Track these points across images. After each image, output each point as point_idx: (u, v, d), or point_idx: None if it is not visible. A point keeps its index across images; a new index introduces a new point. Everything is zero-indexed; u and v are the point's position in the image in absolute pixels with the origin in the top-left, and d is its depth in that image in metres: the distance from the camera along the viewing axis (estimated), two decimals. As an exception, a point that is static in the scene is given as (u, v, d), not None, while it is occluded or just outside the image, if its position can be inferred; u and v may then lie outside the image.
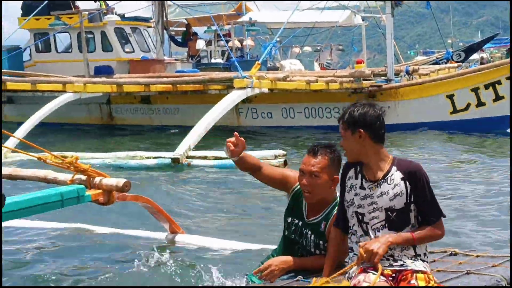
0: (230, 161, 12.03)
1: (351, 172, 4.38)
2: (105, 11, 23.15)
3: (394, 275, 4.18)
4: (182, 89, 18.62)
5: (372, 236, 4.23)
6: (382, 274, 4.12)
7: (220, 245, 7.17)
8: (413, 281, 4.10)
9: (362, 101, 4.37)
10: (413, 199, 4.17)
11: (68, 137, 19.08)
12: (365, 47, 28.61)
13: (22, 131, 15.48)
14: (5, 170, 6.53)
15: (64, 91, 17.61)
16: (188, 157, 12.83)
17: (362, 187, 4.29)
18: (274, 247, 5.94)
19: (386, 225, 4.20)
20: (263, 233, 7.88)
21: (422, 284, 4.08)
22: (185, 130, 19.26)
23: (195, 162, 12.67)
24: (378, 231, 4.22)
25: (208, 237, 7.39)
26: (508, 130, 17.60)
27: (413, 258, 4.21)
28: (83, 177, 6.07)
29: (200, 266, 6.16)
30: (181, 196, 10.23)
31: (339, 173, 4.61)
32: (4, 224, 7.80)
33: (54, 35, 23.66)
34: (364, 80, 17.90)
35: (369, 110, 4.22)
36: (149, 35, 25.32)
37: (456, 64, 25.78)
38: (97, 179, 6.03)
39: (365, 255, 4.13)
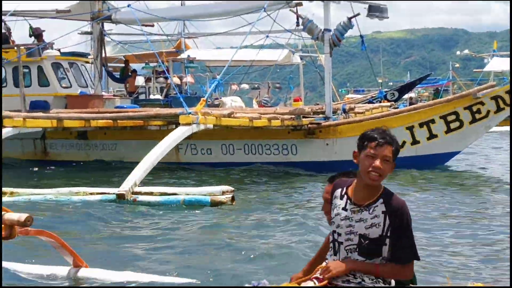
0: (176, 197, 12.20)
1: (338, 192, 4.48)
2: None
3: None
4: (122, 125, 18.53)
5: (342, 256, 4.35)
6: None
7: (123, 278, 7.21)
8: None
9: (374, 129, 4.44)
10: (389, 234, 4.25)
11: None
12: (302, 85, 29.12)
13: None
14: None
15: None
16: (133, 193, 12.75)
17: (344, 209, 4.37)
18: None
19: (357, 250, 4.30)
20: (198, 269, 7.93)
21: None
22: (123, 165, 19.38)
23: (141, 198, 12.61)
24: (350, 253, 4.32)
25: (111, 271, 7.39)
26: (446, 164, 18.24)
27: (374, 280, 4.29)
28: None
29: None
30: (123, 234, 10.21)
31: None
32: None
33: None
34: (303, 117, 18.20)
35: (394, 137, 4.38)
36: (86, 70, 25.17)
37: (388, 103, 26.45)
38: None
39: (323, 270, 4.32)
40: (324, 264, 4.47)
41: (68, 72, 23.60)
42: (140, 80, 24.91)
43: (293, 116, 17.90)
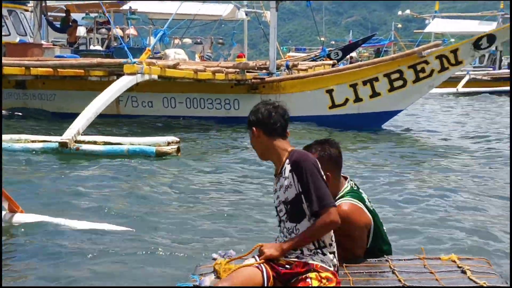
0: (120, 147, 11.99)
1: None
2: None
3: (288, 266, 4.18)
4: (63, 74, 18.04)
5: (282, 226, 4.32)
6: (278, 264, 4.17)
7: (58, 222, 7.21)
8: (308, 280, 4.10)
9: (266, 101, 4.47)
10: (300, 189, 4.18)
11: None
12: (246, 41, 28.88)
13: None
14: None
15: None
16: (76, 141, 12.44)
17: (275, 183, 4.40)
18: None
19: (288, 217, 4.26)
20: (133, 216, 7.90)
21: (315, 283, 4.07)
22: (61, 116, 18.96)
23: (84, 147, 12.33)
24: (284, 224, 4.29)
25: (46, 216, 7.36)
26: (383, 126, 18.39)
27: (313, 251, 4.20)
28: None
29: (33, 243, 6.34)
30: (65, 181, 9.99)
31: (335, 168, 4.75)
32: None
33: None
34: (247, 72, 18.05)
35: (261, 108, 4.36)
36: (25, 18, 24.45)
37: (331, 62, 26.45)
38: None
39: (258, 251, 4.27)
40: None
41: (7, 20, 22.92)
42: (81, 31, 24.35)
43: (237, 70, 17.73)
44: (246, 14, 28.38)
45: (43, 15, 23.70)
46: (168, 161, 11.86)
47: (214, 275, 4.25)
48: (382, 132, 17.94)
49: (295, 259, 4.17)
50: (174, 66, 15.90)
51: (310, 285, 4.04)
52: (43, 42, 23.51)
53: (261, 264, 4.15)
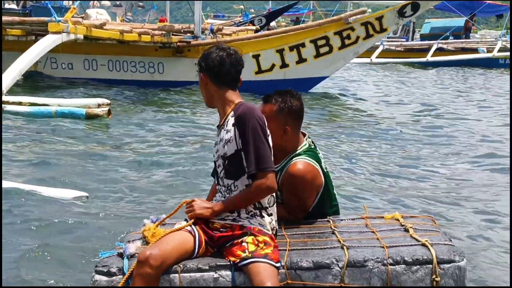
0: (47, 108, 11.45)
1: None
2: None
3: (222, 229, 3.94)
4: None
5: (220, 183, 4.06)
6: (212, 227, 3.95)
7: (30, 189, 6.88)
8: (243, 244, 3.84)
9: (221, 45, 4.08)
10: (241, 146, 3.90)
11: None
12: (168, 5, 28.31)
13: None
14: None
15: None
16: (1, 102, 11.78)
17: (216, 135, 4.11)
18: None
19: (225, 174, 3.99)
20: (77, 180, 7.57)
21: (252, 248, 3.80)
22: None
23: (9, 107, 11.68)
24: (222, 180, 4.03)
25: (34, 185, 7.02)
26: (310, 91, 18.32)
27: (250, 213, 3.96)
28: None
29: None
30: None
31: (295, 122, 4.44)
32: None
33: None
34: (173, 35, 17.62)
35: (213, 53, 4.00)
36: None
37: (254, 27, 26.23)
38: None
39: (186, 209, 4.02)
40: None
41: None
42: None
43: (163, 32, 17.26)
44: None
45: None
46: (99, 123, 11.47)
47: (142, 242, 3.98)
48: (307, 96, 17.89)
49: (232, 222, 3.92)
50: (101, 26, 15.37)
51: (246, 249, 3.78)
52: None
53: (194, 228, 3.89)
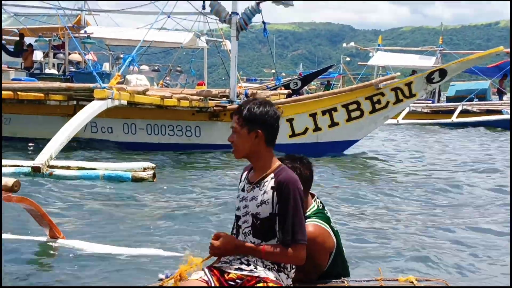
0: (95, 172, 11.92)
1: (244, 175, 4.23)
2: None
3: (238, 281, 3.95)
4: (22, 98, 17.86)
5: (243, 238, 4.08)
6: (228, 278, 3.97)
7: (99, 250, 7.12)
8: None
9: (259, 99, 4.13)
10: (277, 211, 3.94)
11: None
12: (206, 69, 29.06)
13: None
14: None
15: None
16: (49, 166, 12.28)
17: (243, 189, 4.13)
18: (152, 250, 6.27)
19: (252, 231, 4.02)
20: (138, 237, 7.91)
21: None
22: (15, 141, 18.70)
23: (57, 172, 12.19)
24: (246, 236, 4.04)
25: (88, 242, 7.28)
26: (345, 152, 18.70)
27: (268, 267, 3.99)
28: None
29: (76, 270, 6.22)
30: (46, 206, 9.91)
31: (303, 189, 4.23)
32: None
33: None
34: (210, 100, 18.20)
35: (270, 110, 4.01)
36: (-22, 41, 24.21)
37: (286, 91, 26.78)
38: None
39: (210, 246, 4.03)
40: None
41: (-42, 42, 22.65)
42: (38, 55, 24.16)
43: (200, 97, 17.85)
44: (207, 43, 28.65)
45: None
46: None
47: None
48: (341, 157, 18.25)
49: (248, 274, 3.95)
50: (144, 92, 15.94)
51: None
52: (-3, 65, 23.21)
53: (211, 279, 3.93)
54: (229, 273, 3.97)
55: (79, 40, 26.57)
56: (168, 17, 23.74)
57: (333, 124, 18.34)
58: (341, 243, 4.74)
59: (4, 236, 7.33)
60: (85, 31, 27.14)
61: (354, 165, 16.94)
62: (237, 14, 18.96)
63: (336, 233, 4.69)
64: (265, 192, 3.98)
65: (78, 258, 6.82)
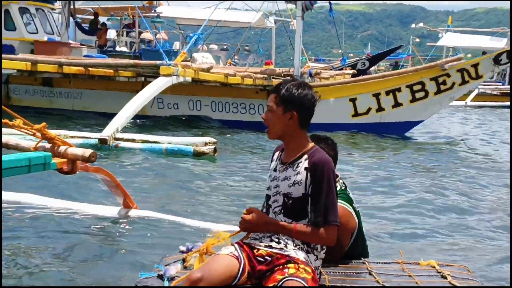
0: (158, 145, 12.30)
1: (276, 156, 4.22)
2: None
3: (268, 258, 3.94)
4: (93, 73, 18.44)
5: (271, 216, 4.05)
6: (258, 254, 3.97)
7: (171, 219, 7.32)
8: (284, 270, 3.82)
9: (298, 80, 4.11)
10: (310, 192, 3.94)
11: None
12: (274, 49, 29.27)
13: None
14: None
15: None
16: (115, 138, 12.75)
17: (275, 169, 4.12)
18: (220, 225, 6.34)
19: (283, 211, 4.01)
20: (209, 211, 8.12)
21: (291, 271, 3.79)
22: (86, 115, 19.35)
23: (122, 144, 12.64)
24: (276, 216, 4.03)
25: (161, 213, 7.50)
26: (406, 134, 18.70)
27: (298, 247, 3.97)
28: (48, 145, 5.99)
29: (148, 239, 6.39)
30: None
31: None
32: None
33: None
34: (273, 78, 18.42)
35: (308, 93, 3.98)
36: (53, 17, 24.92)
37: (351, 71, 26.79)
38: (62, 148, 5.98)
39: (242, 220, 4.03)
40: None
41: (35, 17, 23.38)
42: (111, 34, 24.81)
43: (264, 76, 18.10)
44: (275, 22, 28.85)
45: (71, 17, 24.11)
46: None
47: (181, 265, 4.17)
48: (403, 139, 18.23)
49: (278, 251, 3.94)
50: (208, 70, 16.27)
51: (286, 273, 3.79)
52: (70, 41, 23.93)
53: (241, 255, 3.93)
54: (258, 249, 3.98)
55: (148, 19, 27.15)
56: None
57: (396, 104, 18.34)
58: (362, 224, 4.76)
59: (81, 205, 7.74)
60: (155, 10, 27.65)
61: (417, 148, 16.91)
62: (302, -6, 19.08)
63: (357, 214, 4.73)
64: (298, 172, 3.97)
65: (148, 227, 7.07)
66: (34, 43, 22.43)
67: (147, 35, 26.65)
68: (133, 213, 7.38)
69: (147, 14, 27.29)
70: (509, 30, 46.87)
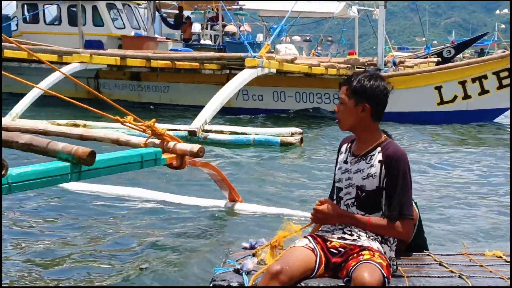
0: (246, 136, 12.51)
1: (343, 147, 4.21)
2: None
3: (341, 249, 3.95)
4: (179, 67, 18.88)
5: (343, 208, 4.07)
6: (331, 246, 3.97)
7: (276, 212, 7.31)
8: (359, 257, 3.82)
9: (370, 71, 4.11)
10: (385, 185, 3.93)
11: (66, 109, 18.46)
12: (357, 38, 29.19)
13: (25, 103, 15.69)
14: (77, 130, 6.66)
15: (61, 63, 17.75)
16: (204, 130, 13.07)
17: (345, 161, 4.10)
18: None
19: (356, 203, 4.00)
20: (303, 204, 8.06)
21: (366, 257, 3.80)
22: (174, 108, 19.79)
23: (211, 136, 12.91)
24: (349, 208, 4.03)
25: (266, 206, 7.54)
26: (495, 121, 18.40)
27: (371, 238, 3.95)
28: (157, 141, 6.16)
29: (253, 231, 6.42)
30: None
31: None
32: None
33: (44, 6, 23.80)
34: (357, 68, 18.42)
35: (380, 84, 3.95)
36: (138, 12, 25.54)
37: (435, 59, 26.46)
38: (171, 144, 6.13)
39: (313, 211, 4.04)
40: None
41: (121, 13, 24.03)
42: (196, 27, 25.26)
43: (348, 66, 18.12)
44: (358, 12, 28.77)
45: (156, 11, 24.66)
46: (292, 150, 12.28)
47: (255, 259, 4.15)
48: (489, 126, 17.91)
49: (351, 243, 3.94)
50: (292, 61, 16.42)
51: (361, 259, 3.78)
52: (156, 36, 24.48)
53: (316, 247, 3.93)
54: (331, 241, 3.97)
55: (231, 12, 27.48)
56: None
57: (483, 91, 18.06)
58: (420, 216, 4.65)
59: (188, 198, 7.92)
60: (237, 3, 27.97)
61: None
62: (385, -18, 19.01)
63: (415, 205, 4.57)
64: (372, 165, 3.94)
65: (252, 219, 7.16)
66: (122, 38, 23.05)
67: (230, 28, 27.00)
68: (239, 206, 7.48)
69: (230, 7, 27.60)
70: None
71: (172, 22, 27.78)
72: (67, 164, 4.61)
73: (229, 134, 12.91)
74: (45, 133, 6.63)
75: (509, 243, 5.57)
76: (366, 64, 18.90)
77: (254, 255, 4.19)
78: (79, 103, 6.01)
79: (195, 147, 6.06)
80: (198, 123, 13.13)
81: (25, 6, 24.21)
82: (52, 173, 4.49)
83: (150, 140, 6.15)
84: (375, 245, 3.88)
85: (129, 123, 5.90)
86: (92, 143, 6.51)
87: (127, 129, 6.59)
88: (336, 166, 4.19)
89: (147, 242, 6.23)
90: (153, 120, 6.06)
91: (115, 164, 5.32)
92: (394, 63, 19.94)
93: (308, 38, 32.54)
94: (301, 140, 12.66)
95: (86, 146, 4.78)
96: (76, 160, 4.60)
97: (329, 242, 3.96)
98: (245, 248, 4.43)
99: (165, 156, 6.03)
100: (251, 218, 7.20)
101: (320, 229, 4.12)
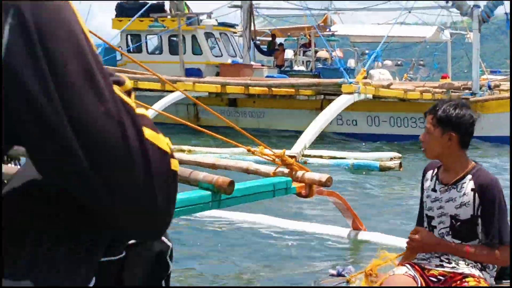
0: (345, 161, 12.88)
1: (428, 174, 4.16)
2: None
3: (441, 277, 3.90)
4: (276, 93, 19.45)
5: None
6: (430, 274, 3.93)
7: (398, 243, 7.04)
8: (464, 284, 3.78)
9: (455, 100, 4.12)
10: (480, 213, 3.86)
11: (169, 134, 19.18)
12: (450, 62, 29.17)
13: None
14: (209, 159, 6.95)
15: (163, 90, 18.65)
16: (303, 155, 13.43)
17: (433, 189, 4.05)
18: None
19: (450, 232, 3.94)
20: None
21: (472, 284, 3.75)
22: (268, 133, 20.30)
23: (311, 160, 13.30)
24: (443, 237, 3.97)
25: (389, 235, 7.42)
26: None
27: (471, 265, 3.89)
28: (285, 170, 6.23)
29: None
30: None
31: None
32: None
33: (146, 37, 24.93)
34: (452, 92, 18.55)
35: (466, 113, 3.89)
36: (234, 40, 26.40)
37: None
38: (299, 173, 6.19)
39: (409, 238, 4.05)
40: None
41: (219, 41, 24.91)
42: (289, 54, 25.86)
43: (443, 90, 18.28)
44: (450, 36, 28.80)
45: (251, 39, 25.40)
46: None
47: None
48: None
49: (451, 270, 3.89)
50: (388, 86, 16.73)
51: (467, 285, 3.75)
52: (252, 63, 25.20)
53: (416, 275, 3.88)
54: (429, 269, 3.92)
55: (324, 38, 28.00)
56: (409, 12, 24.32)
57: None
58: None
59: (313, 225, 8.15)
60: (329, 29, 28.47)
61: None
62: (479, 7, 19.10)
63: None
64: (464, 194, 3.88)
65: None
66: (220, 66, 23.86)
67: (322, 54, 27.47)
68: (362, 235, 7.54)
69: (322, 33, 28.13)
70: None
71: (265, 49, 28.53)
72: (208, 193, 4.91)
73: (328, 158, 13.27)
74: (180, 161, 7.07)
75: None
76: (461, 88, 19.00)
77: (348, 281, 4.23)
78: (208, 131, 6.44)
79: (324, 176, 6.09)
80: (298, 148, 13.52)
81: (129, 36, 25.40)
82: (194, 201, 4.84)
83: (279, 169, 6.26)
84: (476, 272, 3.84)
85: (261, 153, 6.17)
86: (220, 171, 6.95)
87: (254, 157, 6.89)
88: (422, 193, 4.15)
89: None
90: (283, 150, 6.20)
91: (250, 193, 5.54)
92: (489, 87, 19.92)
93: (399, 62, 32.63)
94: (400, 165, 12.88)
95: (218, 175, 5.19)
96: (216, 189, 4.90)
97: (427, 270, 3.93)
98: (332, 275, 4.49)
99: (294, 185, 6.14)
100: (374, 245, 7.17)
101: (415, 257, 4.10)
